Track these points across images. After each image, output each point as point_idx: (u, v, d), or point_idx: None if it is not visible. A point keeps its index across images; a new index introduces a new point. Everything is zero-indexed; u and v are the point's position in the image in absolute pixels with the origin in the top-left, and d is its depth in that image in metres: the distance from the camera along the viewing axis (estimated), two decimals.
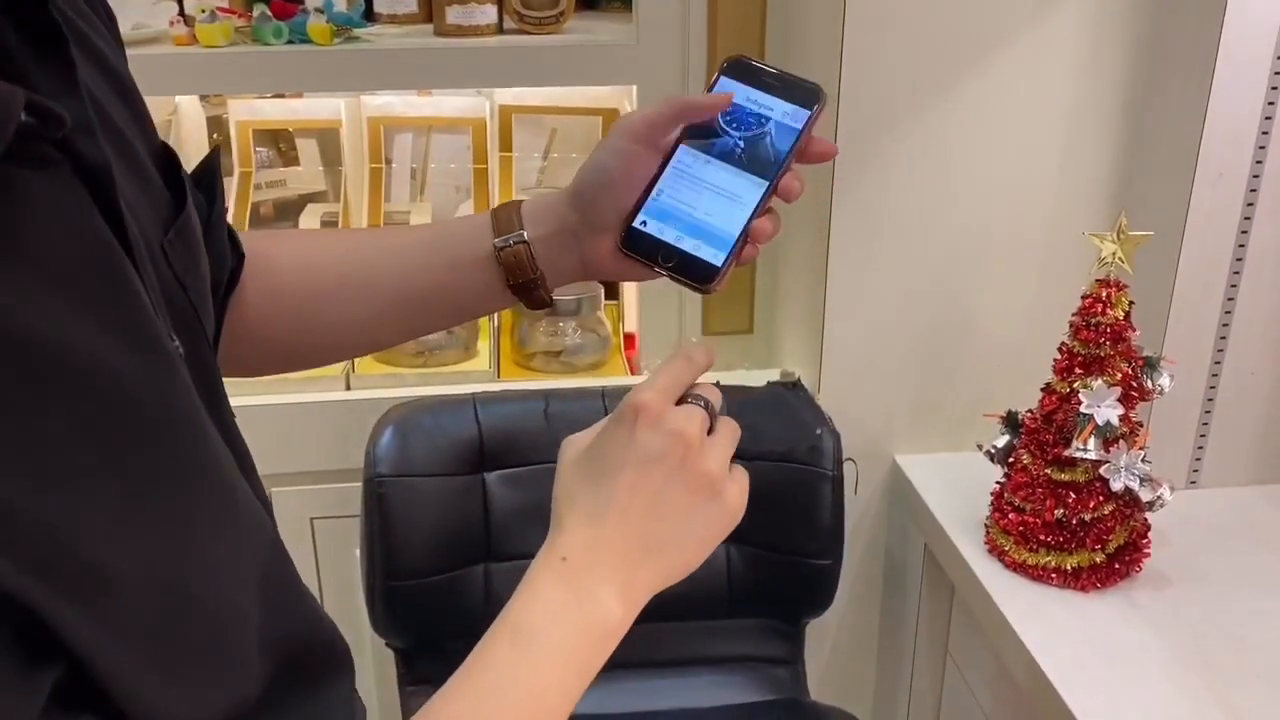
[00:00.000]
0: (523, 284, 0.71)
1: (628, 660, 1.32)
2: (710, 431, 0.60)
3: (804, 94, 0.68)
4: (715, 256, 0.67)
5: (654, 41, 1.40)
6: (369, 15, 1.55)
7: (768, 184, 0.67)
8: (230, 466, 0.49)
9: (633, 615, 0.59)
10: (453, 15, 1.45)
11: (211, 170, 0.67)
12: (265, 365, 0.78)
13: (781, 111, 0.68)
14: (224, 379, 0.61)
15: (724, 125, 0.69)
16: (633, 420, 0.59)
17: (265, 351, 0.75)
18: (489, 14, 1.46)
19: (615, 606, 0.58)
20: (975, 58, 1.23)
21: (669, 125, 0.69)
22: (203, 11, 1.43)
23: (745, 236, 0.67)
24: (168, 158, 0.58)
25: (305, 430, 1.39)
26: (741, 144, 0.68)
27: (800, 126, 0.67)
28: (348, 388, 1.46)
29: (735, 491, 0.60)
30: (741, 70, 0.70)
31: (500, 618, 0.57)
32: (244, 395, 1.36)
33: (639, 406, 0.59)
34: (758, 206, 0.67)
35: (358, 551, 1.27)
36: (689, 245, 0.67)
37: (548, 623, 0.57)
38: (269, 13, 1.43)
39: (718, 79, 0.70)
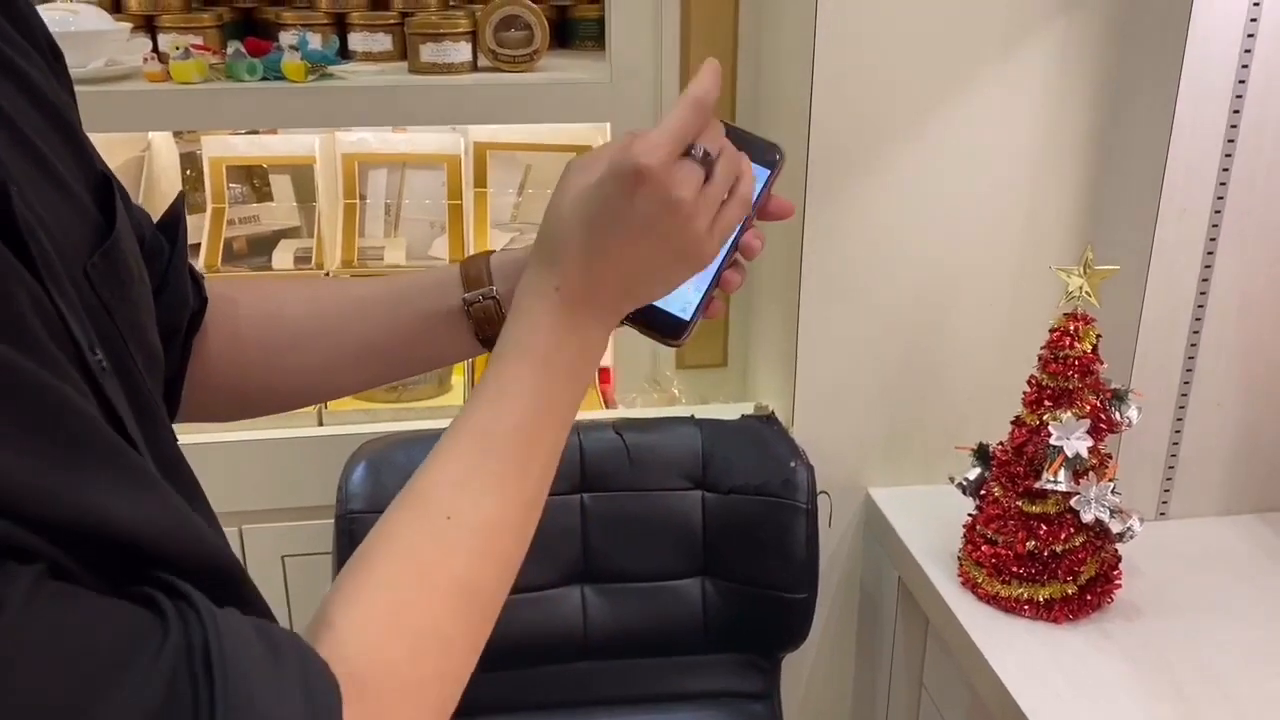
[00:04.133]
0: (492, 337, 0.72)
1: (603, 697, 1.33)
2: (708, 178, 0.62)
3: (764, 152, 0.69)
4: (683, 310, 0.67)
5: (627, 80, 1.41)
6: (344, 53, 1.56)
7: (732, 239, 0.67)
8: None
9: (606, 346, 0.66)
10: (427, 53, 1.46)
11: (177, 215, 0.68)
12: (229, 410, 0.77)
13: None
14: (197, 424, 0.60)
15: None
16: (634, 185, 0.59)
17: (228, 397, 0.75)
18: (463, 52, 1.47)
19: (603, 338, 0.64)
20: (943, 95, 1.25)
21: None
22: (177, 49, 1.43)
23: (712, 290, 0.68)
24: (106, 186, 0.59)
25: (277, 467, 1.38)
26: None
27: (761, 185, 0.68)
28: (320, 424, 1.45)
29: (714, 246, 0.64)
30: None
31: (501, 341, 0.62)
32: (215, 432, 1.36)
33: (642, 174, 0.59)
34: (723, 261, 0.67)
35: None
36: (657, 300, 0.67)
37: (554, 344, 0.61)
38: (243, 50, 1.43)
39: None
